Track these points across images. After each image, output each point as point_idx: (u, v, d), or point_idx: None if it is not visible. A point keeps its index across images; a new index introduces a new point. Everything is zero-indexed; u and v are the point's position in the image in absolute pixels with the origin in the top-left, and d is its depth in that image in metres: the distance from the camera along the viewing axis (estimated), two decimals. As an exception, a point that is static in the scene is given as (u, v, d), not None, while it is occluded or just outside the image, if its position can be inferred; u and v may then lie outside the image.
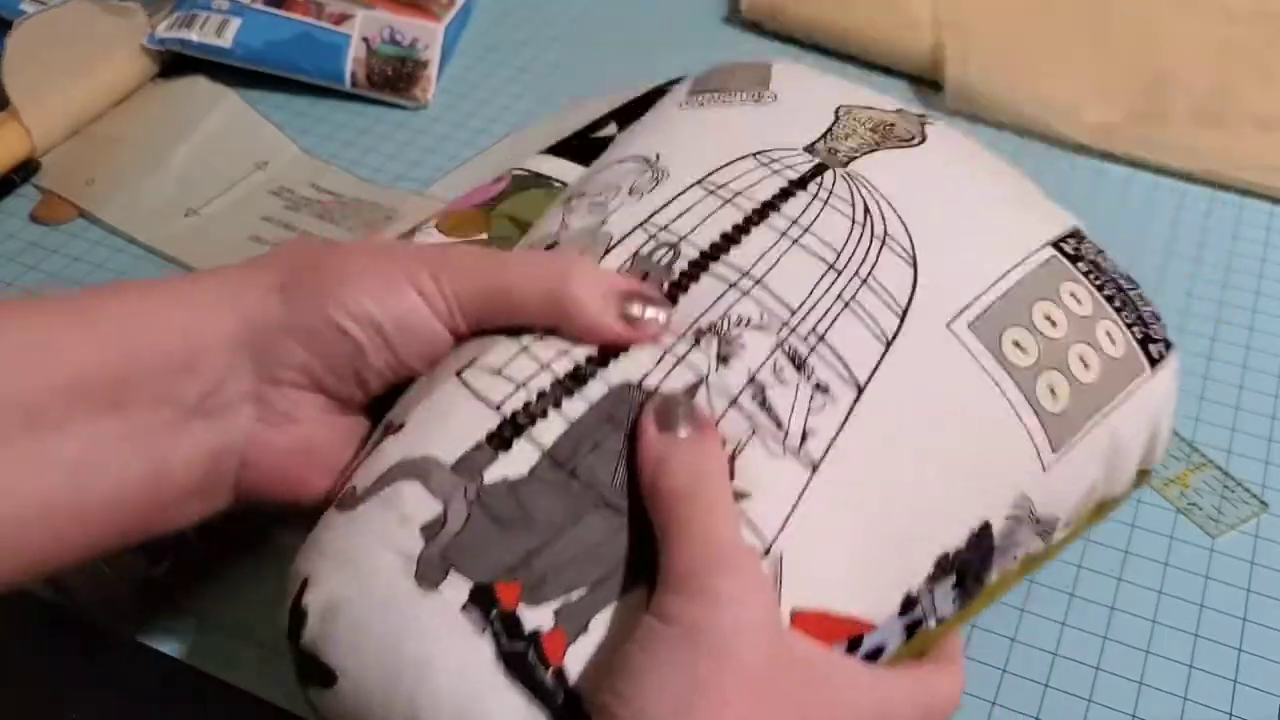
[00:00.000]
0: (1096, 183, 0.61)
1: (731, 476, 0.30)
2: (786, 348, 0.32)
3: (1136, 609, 0.42)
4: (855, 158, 0.37)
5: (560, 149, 0.54)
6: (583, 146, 0.54)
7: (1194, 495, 0.45)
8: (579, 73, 0.69)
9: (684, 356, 0.32)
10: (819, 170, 0.36)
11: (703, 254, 0.34)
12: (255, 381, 0.31)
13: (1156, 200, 0.60)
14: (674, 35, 0.72)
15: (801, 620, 0.30)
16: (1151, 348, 0.37)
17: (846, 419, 0.32)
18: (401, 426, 0.31)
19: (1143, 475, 0.39)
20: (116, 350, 0.30)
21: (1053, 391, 0.34)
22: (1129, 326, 0.37)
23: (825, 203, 0.35)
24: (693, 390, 0.31)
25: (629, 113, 0.56)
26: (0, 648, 0.40)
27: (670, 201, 0.35)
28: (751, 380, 0.31)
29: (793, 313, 0.33)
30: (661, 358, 0.32)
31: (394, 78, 0.67)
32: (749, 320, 0.32)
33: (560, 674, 0.27)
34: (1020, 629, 0.41)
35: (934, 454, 0.33)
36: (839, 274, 0.34)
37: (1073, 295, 0.36)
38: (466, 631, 0.28)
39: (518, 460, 0.30)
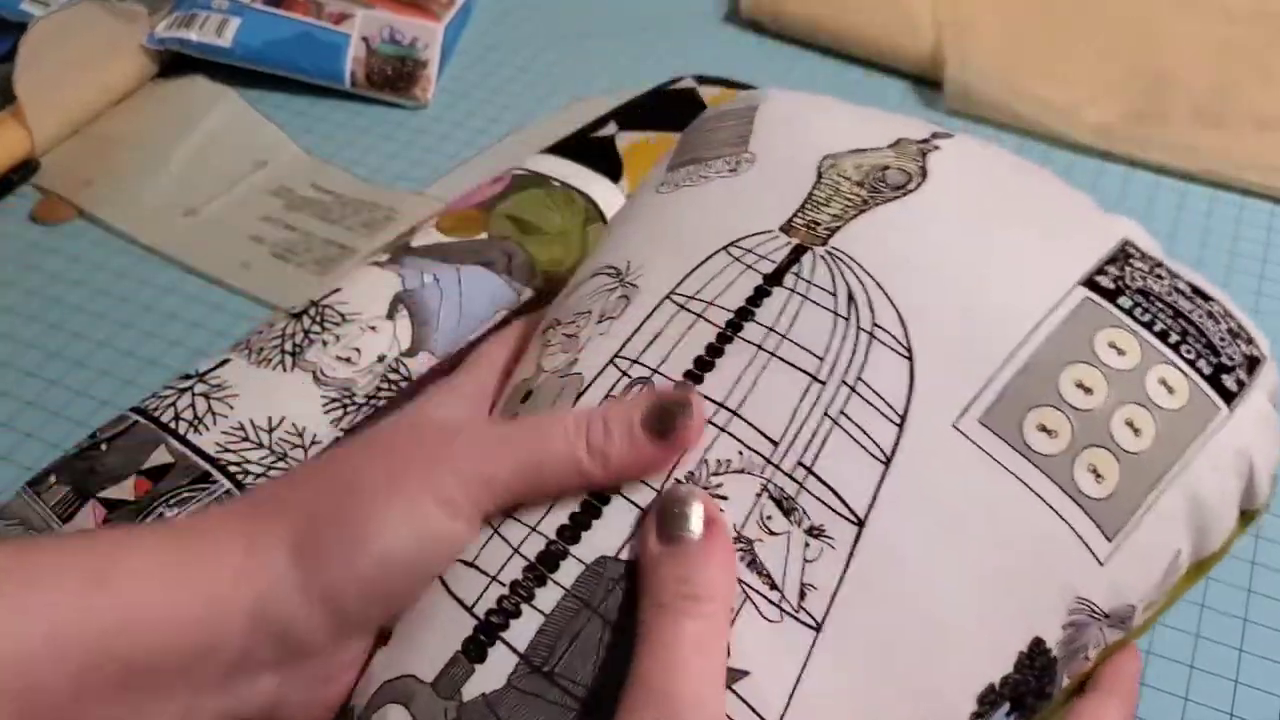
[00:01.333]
0: (1096, 183, 0.61)
1: (728, 653, 0.27)
2: (772, 489, 0.29)
3: (1137, 609, 0.42)
4: (838, 228, 0.33)
5: (560, 149, 0.54)
6: (583, 146, 0.54)
7: (1194, 495, 0.45)
8: (579, 73, 0.69)
9: None
10: (797, 255, 0.32)
11: (675, 387, 0.31)
12: (277, 651, 0.29)
13: (1157, 200, 0.60)
14: (674, 35, 0.72)
15: None
16: (1226, 379, 0.32)
17: (848, 564, 0.28)
18: (388, 636, 0.30)
19: (1246, 518, 0.34)
20: (130, 630, 0.27)
21: (1096, 473, 0.30)
22: (1192, 363, 0.31)
23: (804, 298, 0.31)
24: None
25: (629, 113, 0.56)
26: (0, 648, 0.40)
27: (640, 326, 0.32)
28: (737, 537, 0.29)
29: (775, 445, 0.29)
30: (640, 523, 0.29)
31: (394, 77, 0.67)
32: (728, 463, 0.29)
33: None
34: (1020, 629, 0.41)
35: (956, 581, 0.29)
36: (823, 385, 0.30)
37: (1112, 345, 0.31)
38: None
39: (495, 671, 0.28)
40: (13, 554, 0.27)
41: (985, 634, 0.29)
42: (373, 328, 0.44)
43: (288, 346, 0.44)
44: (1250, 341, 0.33)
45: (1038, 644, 0.30)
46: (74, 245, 0.57)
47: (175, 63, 0.68)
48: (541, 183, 0.51)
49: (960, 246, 0.32)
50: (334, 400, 0.43)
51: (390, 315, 0.45)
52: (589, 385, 0.32)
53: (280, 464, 0.41)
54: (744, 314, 0.32)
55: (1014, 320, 0.31)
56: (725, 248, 0.33)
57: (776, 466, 0.29)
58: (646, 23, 0.74)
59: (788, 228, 0.33)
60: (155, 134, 0.63)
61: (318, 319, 0.45)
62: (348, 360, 0.44)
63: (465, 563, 0.30)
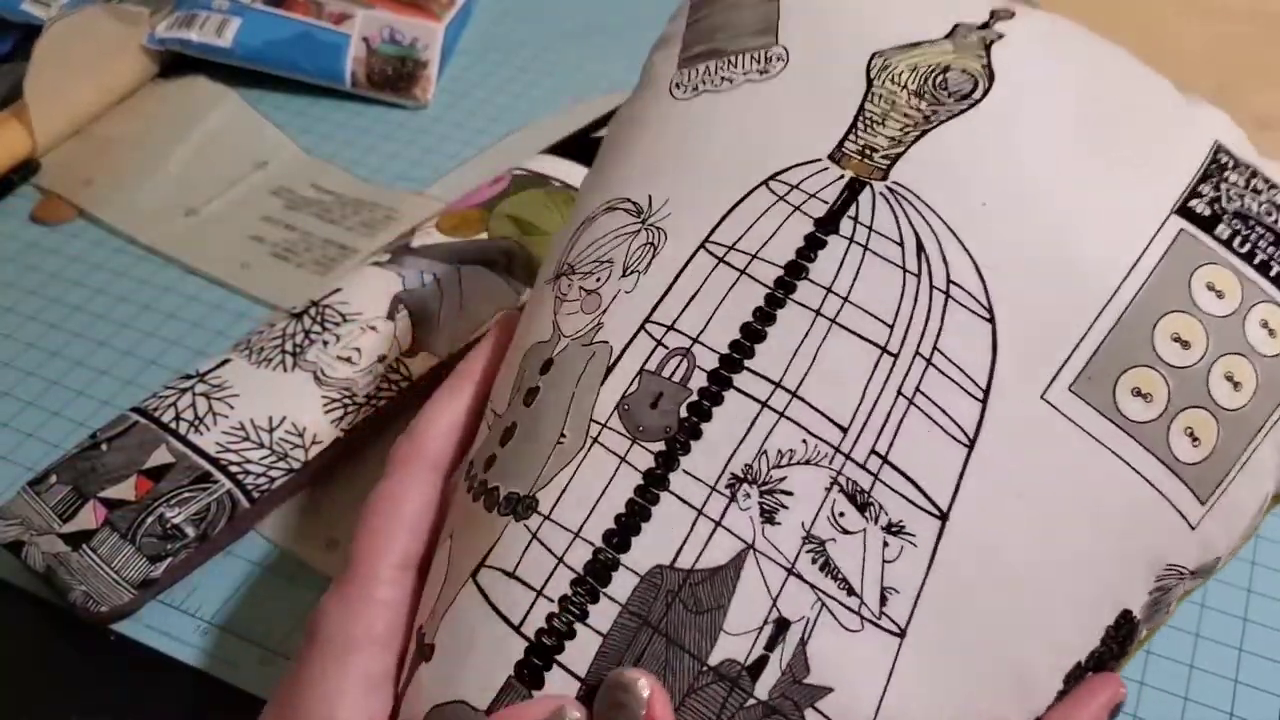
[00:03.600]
0: (1096, 183, 0.61)
1: (807, 670, 0.25)
2: (844, 483, 0.26)
3: (1137, 609, 0.42)
4: (898, 154, 0.28)
5: (560, 149, 0.54)
6: (583, 146, 0.54)
7: (1194, 495, 0.45)
8: (579, 73, 0.69)
9: (720, 519, 0.26)
10: (852, 193, 0.28)
11: (722, 362, 0.27)
12: None
13: (1156, 200, 0.60)
14: (674, 35, 0.72)
15: None
16: None
17: (931, 562, 0.26)
18: (431, 649, 0.28)
19: None
20: None
21: (1193, 436, 0.27)
22: None
23: (865, 248, 0.27)
24: (738, 564, 0.26)
25: (629, 112, 0.56)
26: (0, 647, 0.40)
27: (673, 283, 0.28)
28: (807, 537, 0.26)
29: (844, 431, 0.26)
30: (694, 525, 0.26)
31: (394, 77, 0.67)
32: (791, 454, 0.26)
33: None
34: (1020, 629, 0.41)
35: (1045, 568, 0.26)
36: (895, 359, 0.26)
37: (1210, 287, 0.27)
38: None
39: None
40: None
41: (1075, 617, 0.27)
42: (373, 328, 0.44)
43: (288, 346, 0.44)
44: None
45: (1125, 615, 0.28)
46: (74, 245, 0.57)
47: (175, 63, 0.68)
48: (541, 183, 0.51)
49: (1040, 175, 0.28)
50: (334, 400, 0.43)
51: (390, 315, 0.45)
52: (619, 357, 0.28)
53: (280, 464, 0.41)
54: (796, 270, 0.27)
55: (1106, 264, 0.27)
56: (765, 182, 0.29)
57: (847, 456, 0.26)
58: (646, 23, 0.74)
59: (838, 155, 0.29)
60: (155, 134, 0.63)
61: (318, 319, 0.45)
62: (348, 360, 0.44)
63: (505, 572, 0.27)
